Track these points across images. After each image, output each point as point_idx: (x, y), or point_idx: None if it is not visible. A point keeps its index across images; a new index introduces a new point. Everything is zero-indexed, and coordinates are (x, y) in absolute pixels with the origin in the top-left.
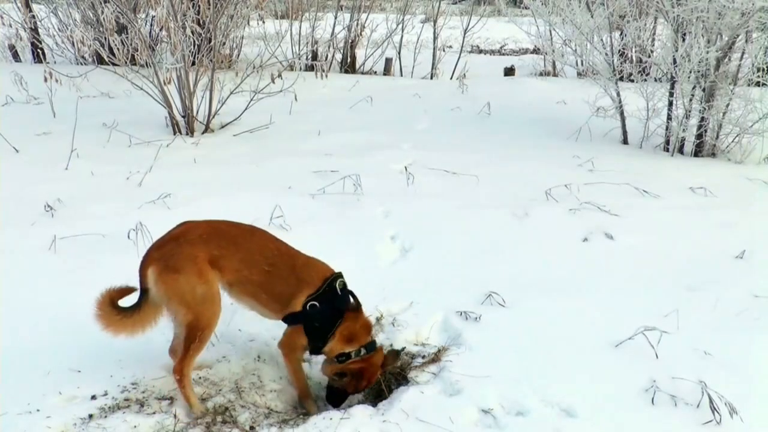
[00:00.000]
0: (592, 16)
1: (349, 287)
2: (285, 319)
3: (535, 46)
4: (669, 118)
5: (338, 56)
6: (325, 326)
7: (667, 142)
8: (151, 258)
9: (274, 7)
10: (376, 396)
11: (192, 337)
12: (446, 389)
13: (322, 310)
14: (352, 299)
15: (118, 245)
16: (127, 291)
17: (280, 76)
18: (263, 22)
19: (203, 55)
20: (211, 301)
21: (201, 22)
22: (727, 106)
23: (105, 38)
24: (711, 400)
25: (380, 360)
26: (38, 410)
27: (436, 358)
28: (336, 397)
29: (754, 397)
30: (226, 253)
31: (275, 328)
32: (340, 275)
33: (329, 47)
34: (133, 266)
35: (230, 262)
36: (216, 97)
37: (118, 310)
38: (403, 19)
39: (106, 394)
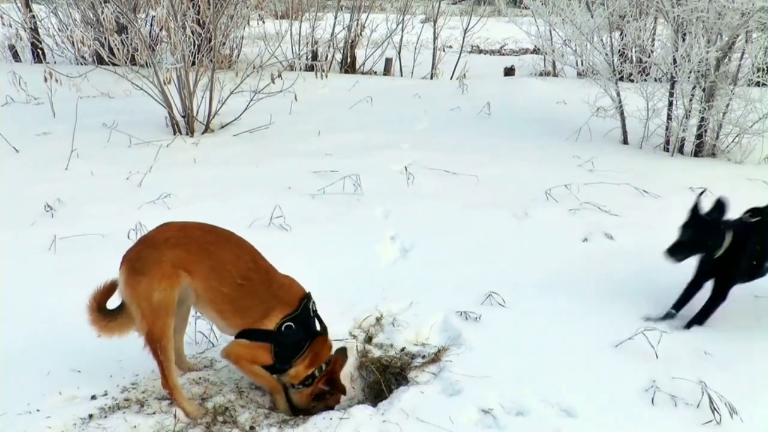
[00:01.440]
0: (592, 16)
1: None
2: (248, 335)
3: (535, 46)
4: (669, 118)
5: (338, 56)
6: (295, 348)
7: (667, 142)
8: (124, 259)
9: (274, 7)
10: (376, 396)
11: (155, 352)
12: (446, 389)
13: (296, 332)
14: (318, 322)
15: (118, 245)
16: (111, 288)
17: (280, 76)
18: (263, 22)
19: (203, 55)
20: (166, 310)
21: (201, 22)
22: (727, 106)
23: (105, 38)
24: (711, 400)
25: (340, 363)
26: (38, 410)
27: (436, 358)
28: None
29: (754, 397)
30: (196, 259)
31: None
32: (310, 295)
33: (329, 47)
34: None
35: (200, 268)
36: (216, 97)
37: (104, 315)
38: (403, 19)
39: (106, 394)
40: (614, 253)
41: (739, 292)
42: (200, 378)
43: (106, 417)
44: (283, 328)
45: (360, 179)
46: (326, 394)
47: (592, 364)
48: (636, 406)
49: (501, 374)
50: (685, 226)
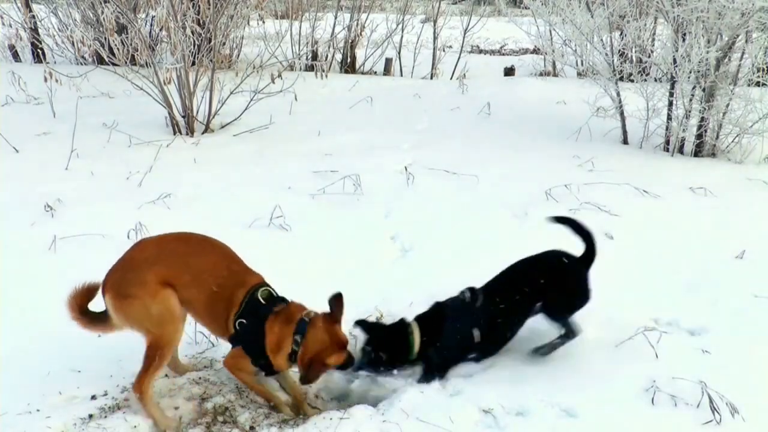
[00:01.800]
0: (592, 16)
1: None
2: (230, 341)
3: (535, 46)
4: (669, 118)
5: (338, 56)
6: (258, 342)
7: (667, 142)
8: (107, 284)
9: (274, 7)
10: None
11: (152, 356)
12: (446, 389)
13: (250, 325)
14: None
15: (118, 245)
16: (90, 292)
17: (280, 76)
18: (263, 22)
19: (203, 55)
20: (170, 319)
21: (201, 22)
22: (727, 106)
23: (105, 38)
24: (711, 400)
25: (321, 329)
26: (38, 410)
27: None
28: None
29: (754, 396)
30: (177, 272)
31: None
32: (261, 284)
33: (329, 47)
34: None
35: (181, 279)
36: (216, 97)
37: (88, 315)
38: (403, 19)
39: (106, 394)
40: (614, 253)
41: (739, 291)
42: (200, 378)
43: (106, 417)
44: (237, 327)
45: (360, 179)
46: (313, 365)
47: (592, 364)
48: (636, 406)
49: (501, 374)
50: (364, 350)
